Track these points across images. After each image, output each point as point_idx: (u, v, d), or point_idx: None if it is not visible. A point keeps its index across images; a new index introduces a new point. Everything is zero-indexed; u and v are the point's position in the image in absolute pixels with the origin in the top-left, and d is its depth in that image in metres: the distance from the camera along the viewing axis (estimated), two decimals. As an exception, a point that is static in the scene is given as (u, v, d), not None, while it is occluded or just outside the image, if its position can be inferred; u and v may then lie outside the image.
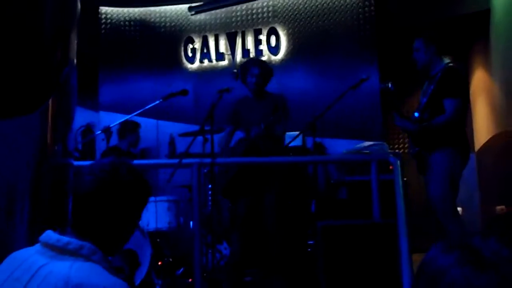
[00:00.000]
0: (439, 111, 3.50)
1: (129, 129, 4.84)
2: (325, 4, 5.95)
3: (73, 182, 1.39)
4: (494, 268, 0.67)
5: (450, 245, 0.74)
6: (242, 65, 4.23)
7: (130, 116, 4.40)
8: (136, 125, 4.89)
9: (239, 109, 4.04)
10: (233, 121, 4.06)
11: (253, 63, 4.08)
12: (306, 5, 6.03)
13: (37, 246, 1.30)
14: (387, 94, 3.85)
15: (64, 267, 1.21)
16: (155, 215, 3.99)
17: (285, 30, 6.06)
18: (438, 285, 0.70)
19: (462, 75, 3.70)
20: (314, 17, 5.97)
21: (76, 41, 2.07)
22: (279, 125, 3.80)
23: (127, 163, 1.43)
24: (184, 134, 4.68)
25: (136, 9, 6.57)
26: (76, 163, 2.51)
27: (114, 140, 4.75)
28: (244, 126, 3.99)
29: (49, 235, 1.30)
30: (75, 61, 2.06)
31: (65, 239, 1.28)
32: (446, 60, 3.64)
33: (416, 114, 3.63)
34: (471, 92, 5.30)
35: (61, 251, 1.26)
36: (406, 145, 6.16)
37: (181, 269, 4.16)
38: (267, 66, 4.11)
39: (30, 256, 1.28)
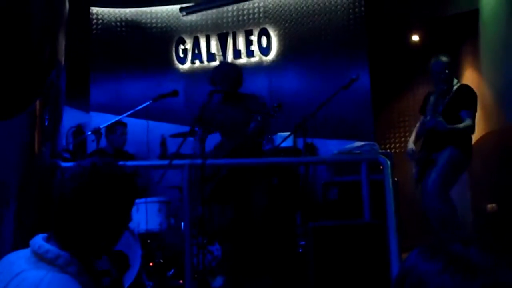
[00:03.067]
0: (455, 120, 3.93)
1: (109, 130, 4.73)
2: (316, 5, 5.96)
3: (55, 187, 1.33)
4: (484, 275, 0.67)
5: (432, 251, 0.73)
6: (214, 70, 4.09)
7: (120, 117, 4.39)
8: (116, 124, 4.73)
9: (212, 111, 3.93)
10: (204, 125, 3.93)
11: (219, 72, 3.95)
12: (297, 6, 6.04)
13: (27, 250, 1.29)
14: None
15: (37, 276, 1.19)
16: (145, 216, 3.98)
17: (276, 31, 6.06)
18: None
19: (474, 91, 4.10)
20: (305, 18, 5.97)
21: (64, 42, 2.06)
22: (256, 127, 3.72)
23: (109, 164, 1.36)
24: (175, 135, 4.66)
25: (127, 10, 6.55)
26: (65, 164, 2.49)
27: (104, 142, 4.73)
28: (219, 128, 3.91)
29: (35, 241, 1.28)
30: (63, 62, 2.05)
31: (45, 246, 1.25)
32: (455, 80, 4.17)
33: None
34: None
35: (40, 258, 1.24)
36: (397, 145, 6.19)
37: (172, 270, 4.15)
38: (234, 73, 3.96)
39: (16, 260, 1.27)
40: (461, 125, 3.95)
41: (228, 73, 3.92)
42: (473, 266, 0.68)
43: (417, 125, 4.29)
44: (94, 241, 1.31)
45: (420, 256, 0.74)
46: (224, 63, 5.29)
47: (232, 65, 4.38)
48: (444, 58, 4.09)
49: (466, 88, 4.12)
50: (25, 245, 1.33)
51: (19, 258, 1.27)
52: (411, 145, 4.23)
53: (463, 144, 3.98)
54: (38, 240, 1.28)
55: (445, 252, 0.72)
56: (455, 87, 4.09)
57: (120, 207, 1.35)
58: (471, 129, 3.99)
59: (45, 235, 1.30)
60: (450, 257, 0.70)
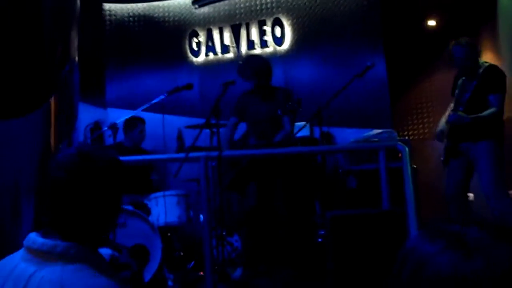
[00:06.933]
0: (484, 105, 3.82)
1: (128, 126, 4.82)
2: (329, -8, 5.90)
3: (45, 177, 1.32)
4: (481, 255, 0.66)
5: (432, 233, 0.73)
6: (244, 63, 4.21)
7: (136, 111, 4.41)
8: (136, 121, 4.81)
9: (245, 101, 4.05)
10: (238, 113, 4.08)
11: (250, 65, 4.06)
12: (309, -6, 5.98)
13: (21, 252, 1.26)
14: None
15: (55, 272, 1.17)
16: (164, 209, 4.00)
17: (290, 20, 6.01)
18: (423, 273, 0.69)
19: (503, 72, 3.95)
20: (318, 6, 5.91)
21: (77, 39, 2.07)
22: (287, 122, 3.84)
23: (97, 149, 1.35)
24: (190, 126, 4.68)
25: (140, 5, 6.56)
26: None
27: (121, 136, 4.77)
28: (248, 120, 4.00)
29: (33, 239, 1.25)
30: (76, 58, 2.05)
31: (50, 242, 1.22)
32: (482, 60, 4.01)
33: (460, 109, 3.90)
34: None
35: (48, 255, 1.21)
36: (416, 132, 6.12)
37: (192, 263, 4.17)
38: (263, 66, 4.06)
39: (17, 264, 1.23)
40: (485, 113, 3.79)
41: (260, 66, 4.02)
42: (470, 247, 0.68)
43: (449, 107, 4.14)
44: (91, 227, 1.29)
45: (420, 238, 0.74)
46: (254, 56, 5.34)
47: (262, 57, 4.44)
48: (464, 42, 3.88)
49: (493, 70, 3.91)
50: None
51: (19, 263, 1.23)
52: (441, 126, 4.11)
53: (494, 133, 3.83)
54: (37, 239, 1.24)
55: (444, 233, 0.72)
56: (481, 70, 3.88)
57: (112, 191, 1.33)
58: (496, 115, 3.82)
59: (36, 233, 1.27)
60: (448, 238, 0.70)
